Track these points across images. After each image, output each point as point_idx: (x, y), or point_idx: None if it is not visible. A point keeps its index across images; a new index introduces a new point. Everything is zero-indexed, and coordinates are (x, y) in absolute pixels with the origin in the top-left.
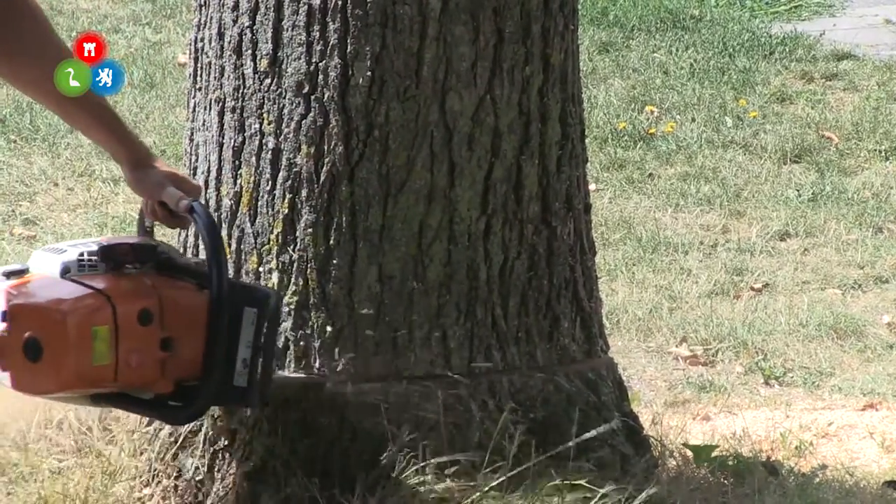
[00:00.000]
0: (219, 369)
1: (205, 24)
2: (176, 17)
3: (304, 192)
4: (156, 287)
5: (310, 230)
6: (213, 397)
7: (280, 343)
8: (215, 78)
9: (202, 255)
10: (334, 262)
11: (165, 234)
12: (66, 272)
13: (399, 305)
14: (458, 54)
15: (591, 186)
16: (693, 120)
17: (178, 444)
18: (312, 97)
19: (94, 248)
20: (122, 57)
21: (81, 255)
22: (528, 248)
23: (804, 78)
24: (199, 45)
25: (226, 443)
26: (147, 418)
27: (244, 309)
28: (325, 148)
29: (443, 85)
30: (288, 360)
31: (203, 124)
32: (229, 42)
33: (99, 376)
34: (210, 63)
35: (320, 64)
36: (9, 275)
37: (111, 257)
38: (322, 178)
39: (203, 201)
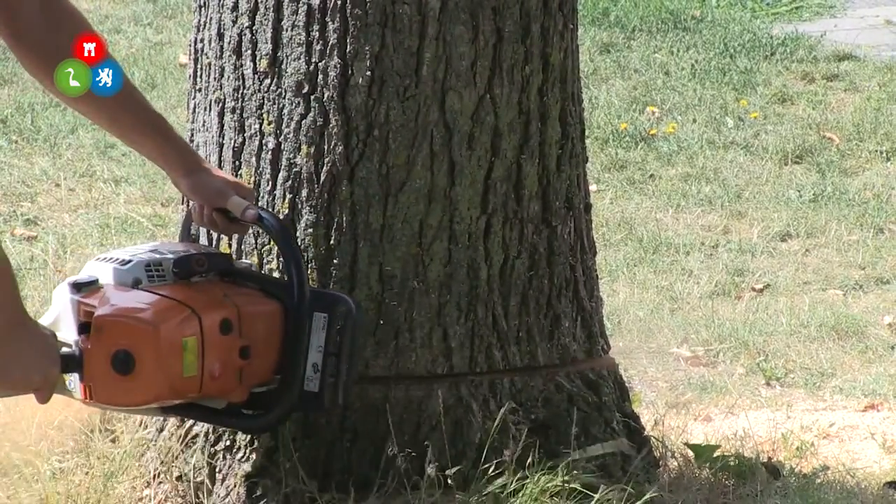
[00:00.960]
0: (300, 378)
1: (204, 25)
2: (177, 18)
3: (304, 192)
4: (228, 295)
5: (310, 230)
6: (294, 405)
7: None
8: (215, 79)
9: (244, 260)
10: (335, 261)
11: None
12: (137, 283)
13: (400, 305)
14: (458, 54)
15: (593, 187)
16: (694, 121)
17: (179, 445)
18: (312, 97)
19: (160, 257)
20: (123, 57)
21: (148, 265)
22: (529, 247)
23: (805, 79)
24: (199, 45)
25: (227, 444)
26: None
27: (314, 314)
28: (325, 148)
29: (442, 84)
30: None
31: (203, 125)
32: (229, 42)
33: (187, 387)
34: (210, 64)
35: (320, 64)
36: (78, 286)
37: (188, 268)
38: (322, 178)
39: None
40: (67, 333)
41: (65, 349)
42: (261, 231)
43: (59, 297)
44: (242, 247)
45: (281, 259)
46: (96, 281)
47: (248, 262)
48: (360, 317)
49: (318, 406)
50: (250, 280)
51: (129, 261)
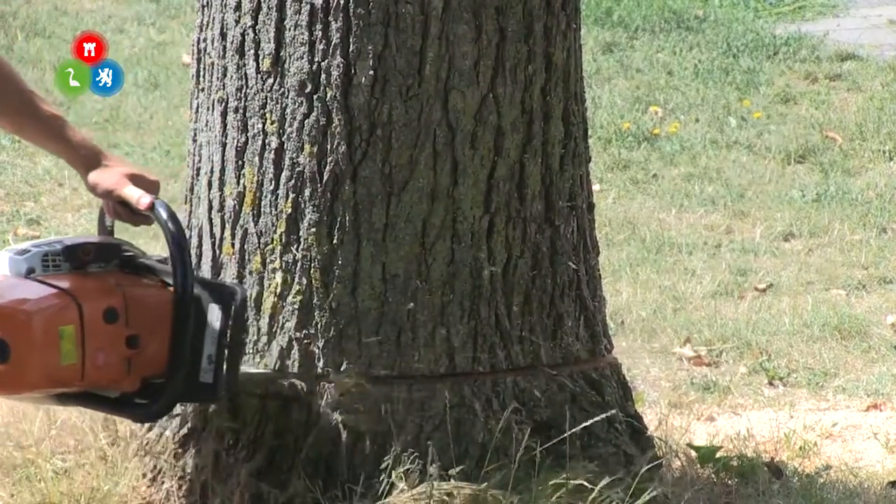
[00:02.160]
0: (184, 366)
1: (207, 25)
2: (180, 18)
3: (307, 192)
4: (120, 285)
5: (313, 229)
6: (179, 394)
7: (284, 342)
8: (218, 78)
9: (160, 254)
10: (338, 261)
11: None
12: (30, 272)
13: (403, 304)
14: (461, 53)
15: (596, 187)
16: (697, 120)
17: (182, 444)
18: (315, 96)
19: (58, 248)
20: (126, 57)
21: (45, 255)
22: (532, 246)
23: (808, 78)
24: (202, 45)
25: (230, 443)
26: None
27: (209, 305)
28: (328, 147)
29: (445, 84)
30: (292, 359)
31: (206, 125)
32: (232, 42)
33: (66, 376)
34: (213, 63)
35: (323, 63)
36: None
37: (75, 257)
38: (325, 178)
39: (207, 200)
40: None
41: None
42: (264, 231)
43: None
44: (245, 247)
45: (284, 259)
46: None
47: (163, 256)
48: (245, 306)
49: (211, 396)
50: (150, 272)
51: (27, 251)
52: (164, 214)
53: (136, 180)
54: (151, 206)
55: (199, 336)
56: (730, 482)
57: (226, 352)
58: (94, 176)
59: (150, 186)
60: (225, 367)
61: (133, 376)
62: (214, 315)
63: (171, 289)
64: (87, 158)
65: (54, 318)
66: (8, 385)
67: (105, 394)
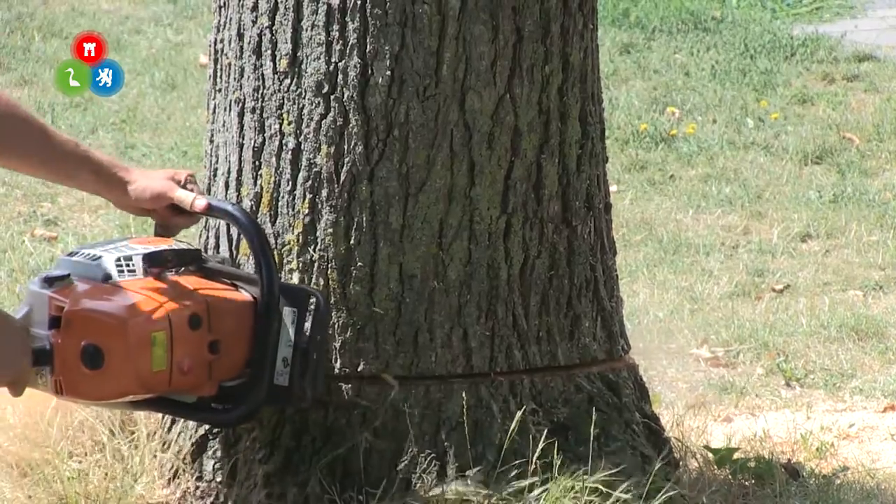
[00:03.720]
0: (267, 371)
1: (224, 26)
2: (197, 18)
3: (324, 192)
4: (198, 290)
5: (330, 230)
6: (262, 398)
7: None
8: (235, 79)
9: (217, 255)
10: (355, 261)
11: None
12: (107, 278)
13: (420, 305)
14: (478, 53)
15: (613, 188)
16: (714, 121)
17: (198, 445)
18: (332, 97)
19: (131, 252)
20: (143, 58)
21: (118, 260)
22: (549, 247)
23: (825, 79)
24: (219, 46)
25: (247, 444)
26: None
27: (284, 309)
28: (345, 148)
29: (462, 84)
30: None
31: (223, 125)
32: (249, 43)
33: (156, 382)
34: (230, 64)
35: (340, 64)
36: (50, 281)
37: (154, 262)
38: (342, 178)
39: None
40: (39, 328)
41: (36, 343)
42: (281, 231)
43: (32, 291)
44: None
45: (301, 259)
46: (68, 276)
47: (222, 256)
48: (328, 311)
49: (288, 400)
50: (222, 275)
51: (100, 256)
52: (238, 214)
53: (177, 178)
54: (209, 208)
55: (275, 339)
56: (747, 483)
57: (305, 356)
58: (135, 192)
59: (189, 181)
60: (304, 371)
61: (213, 381)
62: (289, 318)
63: (244, 292)
64: (121, 178)
65: (147, 325)
66: (100, 391)
67: (181, 398)
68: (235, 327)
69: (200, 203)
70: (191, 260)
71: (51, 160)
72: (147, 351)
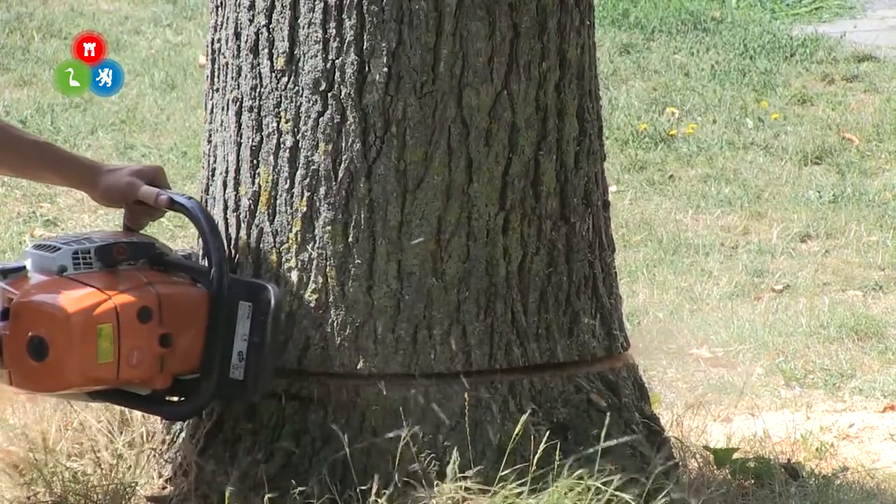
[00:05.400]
0: (218, 365)
1: (221, 25)
2: (197, 19)
3: (322, 190)
4: (152, 283)
5: (328, 228)
6: (212, 392)
7: (301, 341)
8: (232, 78)
9: (184, 249)
10: (353, 259)
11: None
12: (62, 271)
13: (418, 302)
14: (475, 50)
15: (612, 188)
16: (714, 121)
17: (199, 445)
18: (329, 94)
19: (88, 245)
20: (142, 58)
21: (76, 253)
22: (547, 244)
23: (825, 80)
24: (216, 45)
25: (247, 444)
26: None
27: (239, 303)
28: (343, 145)
29: (459, 80)
30: (308, 358)
31: (221, 125)
32: (246, 41)
33: (102, 374)
34: (227, 63)
35: (337, 61)
36: (5, 273)
37: (108, 256)
38: (340, 176)
39: (222, 200)
40: None
41: None
42: (279, 230)
43: None
44: (261, 246)
45: (299, 257)
46: (24, 268)
47: (186, 251)
48: (281, 305)
49: (243, 394)
50: (180, 269)
51: (58, 248)
52: (195, 209)
53: (143, 175)
54: (171, 202)
55: (229, 333)
56: (746, 484)
57: (258, 350)
58: (102, 188)
59: (157, 175)
60: (256, 365)
61: (165, 374)
62: (245, 312)
63: (200, 286)
64: (89, 173)
65: (92, 317)
66: (45, 383)
67: (136, 391)
68: (189, 321)
69: (163, 198)
70: (147, 253)
71: (12, 160)
72: (92, 343)
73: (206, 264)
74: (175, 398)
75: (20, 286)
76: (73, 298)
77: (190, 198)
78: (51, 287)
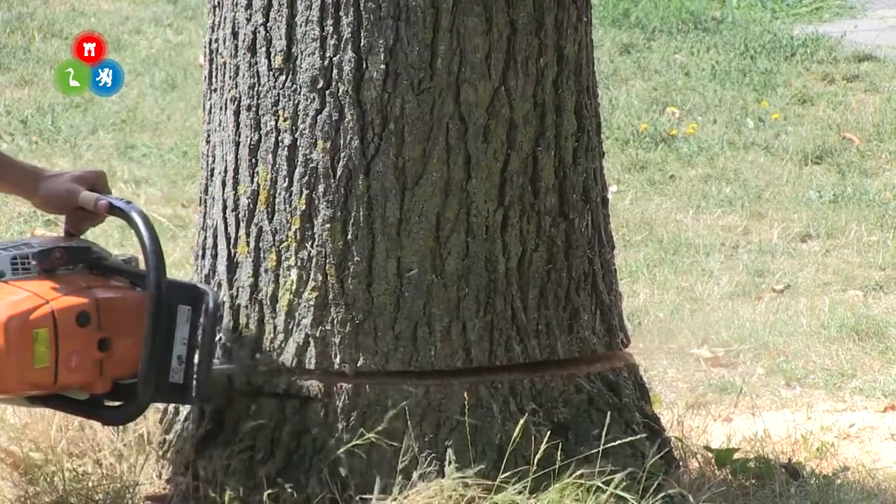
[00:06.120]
0: (156, 369)
1: (219, 25)
2: (197, 19)
3: (320, 188)
4: (90, 288)
5: (327, 225)
6: (151, 396)
7: (300, 339)
8: (230, 77)
9: (125, 253)
10: (353, 256)
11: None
12: (1, 276)
13: (418, 299)
14: (472, 46)
15: (613, 188)
16: (714, 121)
17: (199, 444)
18: (327, 92)
19: (27, 251)
20: (143, 58)
21: (14, 258)
22: (547, 240)
23: (825, 79)
24: (214, 46)
25: (247, 444)
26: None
27: (178, 307)
28: (341, 143)
29: (457, 77)
30: (308, 356)
31: (219, 124)
32: (243, 41)
33: (39, 379)
34: (225, 63)
35: (334, 58)
36: None
37: (46, 260)
38: (338, 173)
39: (221, 200)
40: None
41: None
42: (279, 228)
43: None
44: (260, 245)
45: (299, 256)
46: None
47: (127, 256)
48: (218, 308)
49: (182, 398)
50: (119, 273)
51: None
52: (133, 213)
53: (85, 181)
54: (111, 207)
55: (168, 337)
56: (747, 483)
57: (196, 353)
58: (43, 195)
59: (99, 181)
60: (196, 369)
61: (104, 378)
62: (184, 316)
63: (139, 290)
64: (31, 179)
65: (28, 322)
66: None
67: (75, 396)
68: (128, 325)
69: (102, 203)
70: (84, 258)
71: None
72: (28, 348)
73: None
74: (114, 403)
75: None
76: (9, 303)
77: (129, 202)
78: None
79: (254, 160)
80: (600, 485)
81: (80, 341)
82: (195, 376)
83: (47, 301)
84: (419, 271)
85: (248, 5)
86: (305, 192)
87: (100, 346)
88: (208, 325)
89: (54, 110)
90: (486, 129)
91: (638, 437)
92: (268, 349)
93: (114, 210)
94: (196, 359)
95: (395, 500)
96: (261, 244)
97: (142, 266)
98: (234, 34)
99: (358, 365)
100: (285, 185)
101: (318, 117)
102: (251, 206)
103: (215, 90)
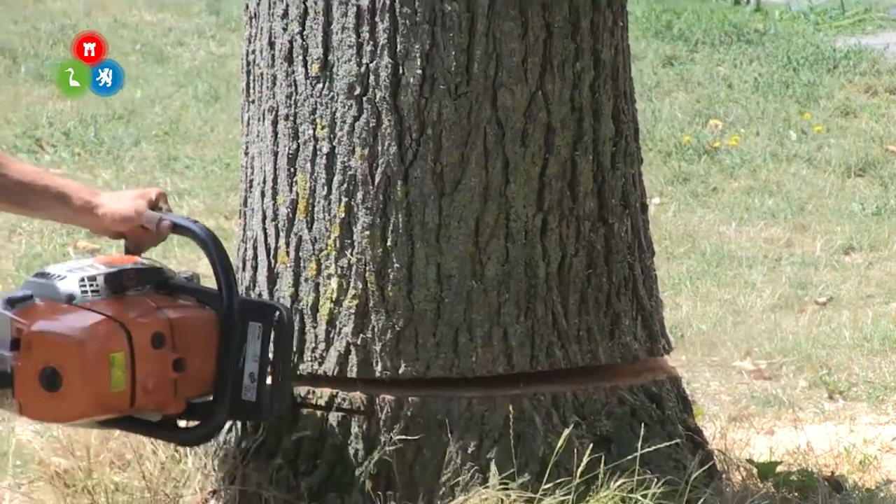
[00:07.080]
0: (230, 388)
1: (255, 36)
2: (240, 31)
3: (359, 195)
4: (161, 308)
5: (367, 233)
6: (226, 414)
7: (342, 348)
8: (268, 88)
9: (186, 270)
10: (392, 263)
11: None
12: (70, 299)
13: (459, 305)
14: (508, 50)
15: (655, 200)
16: (757, 133)
17: (243, 457)
18: (364, 98)
19: (95, 272)
20: (186, 70)
21: (83, 280)
22: (586, 245)
23: (868, 92)
24: (251, 57)
25: (291, 456)
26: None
27: (249, 324)
28: (379, 149)
29: (494, 81)
30: (350, 364)
31: (257, 136)
32: (280, 50)
33: (116, 402)
34: (262, 74)
35: (371, 64)
36: (13, 303)
37: (117, 283)
38: (377, 180)
39: (260, 211)
40: (2, 349)
41: None
42: (318, 237)
43: None
44: (300, 254)
45: (339, 264)
46: (31, 297)
47: (189, 273)
48: (292, 324)
49: (256, 415)
50: (186, 292)
51: (64, 277)
52: (201, 233)
53: (146, 197)
54: (174, 226)
55: (240, 355)
56: (789, 496)
57: (268, 370)
58: (106, 217)
59: (160, 198)
60: (271, 386)
61: (178, 399)
62: (255, 333)
63: (208, 308)
64: (89, 202)
65: (105, 346)
66: (58, 413)
67: (148, 417)
68: (200, 344)
69: (165, 223)
70: (154, 278)
71: (9, 191)
72: (105, 372)
73: (216, 286)
74: (186, 422)
75: (29, 316)
76: (84, 327)
77: (195, 221)
78: (60, 316)
79: (292, 169)
80: (639, 498)
81: (156, 363)
82: (270, 392)
83: (122, 324)
84: (459, 277)
85: (285, 14)
86: (344, 199)
87: (174, 367)
88: (283, 340)
89: (97, 122)
90: (524, 133)
91: (681, 449)
92: (309, 359)
93: (178, 229)
94: (268, 375)
95: None
96: (300, 253)
97: (203, 283)
98: (271, 44)
99: (399, 372)
100: (324, 193)
101: (356, 124)
102: (290, 215)
103: (253, 101)
